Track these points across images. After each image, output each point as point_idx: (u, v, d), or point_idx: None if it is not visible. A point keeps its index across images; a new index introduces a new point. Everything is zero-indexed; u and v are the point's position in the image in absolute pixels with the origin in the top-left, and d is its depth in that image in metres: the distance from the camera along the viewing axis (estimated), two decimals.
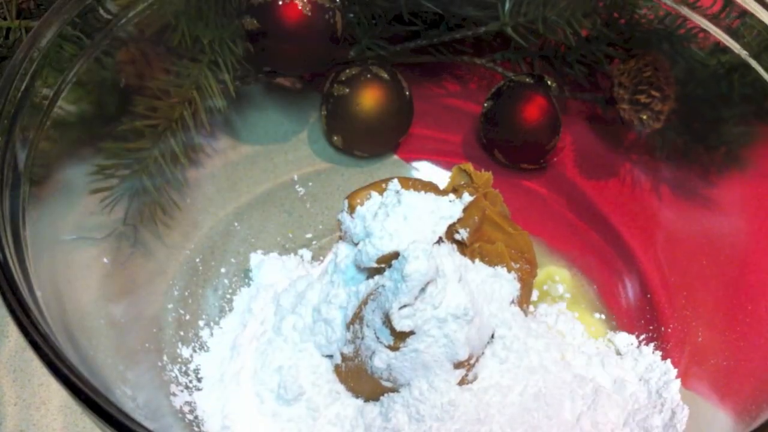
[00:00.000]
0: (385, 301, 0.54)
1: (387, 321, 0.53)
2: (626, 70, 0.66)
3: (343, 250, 0.58)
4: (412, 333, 0.53)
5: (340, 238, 0.60)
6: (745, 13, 0.60)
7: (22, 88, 0.51)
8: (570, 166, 0.72)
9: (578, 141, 0.72)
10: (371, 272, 0.57)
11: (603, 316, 0.65)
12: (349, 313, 0.56)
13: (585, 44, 0.68)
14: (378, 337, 0.54)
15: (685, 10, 0.62)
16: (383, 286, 0.54)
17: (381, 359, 0.54)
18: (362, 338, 0.55)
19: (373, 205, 0.58)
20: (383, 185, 0.59)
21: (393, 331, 0.53)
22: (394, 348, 0.54)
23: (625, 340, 0.63)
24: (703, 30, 0.62)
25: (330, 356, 0.57)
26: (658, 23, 0.65)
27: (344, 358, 0.56)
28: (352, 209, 0.59)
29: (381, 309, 0.54)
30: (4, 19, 0.66)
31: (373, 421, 0.55)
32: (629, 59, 0.66)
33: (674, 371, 0.60)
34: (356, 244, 0.57)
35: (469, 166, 0.62)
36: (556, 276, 0.67)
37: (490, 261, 0.59)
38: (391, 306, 0.53)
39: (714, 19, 0.61)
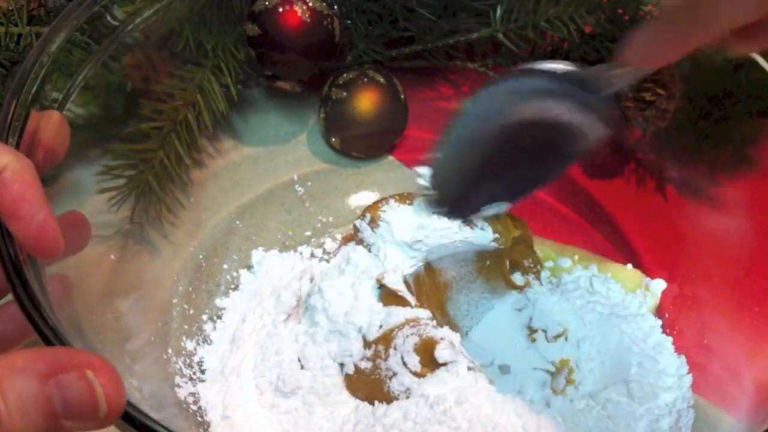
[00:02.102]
0: (429, 330, 0.55)
1: (420, 349, 0.54)
2: None
3: (362, 259, 0.59)
4: (445, 364, 0.54)
5: (357, 243, 0.61)
6: None
7: (33, 91, 0.51)
8: (573, 164, 0.70)
9: None
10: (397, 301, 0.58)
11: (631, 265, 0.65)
12: (371, 330, 0.56)
13: (589, 41, 0.67)
14: (405, 363, 0.55)
15: None
16: (429, 318, 0.56)
17: (401, 383, 0.55)
18: (385, 359, 0.55)
19: (397, 214, 0.60)
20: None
21: (424, 360, 0.54)
22: (418, 375, 0.54)
23: (660, 285, 0.63)
24: None
25: (341, 364, 0.57)
26: None
27: (358, 370, 0.56)
28: (374, 221, 0.60)
29: (419, 336, 0.55)
30: (16, 25, 0.66)
31: (365, 417, 0.55)
32: None
33: None
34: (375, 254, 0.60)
35: None
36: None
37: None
38: (435, 336, 0.54)
39: None
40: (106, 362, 0.37)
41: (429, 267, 0.60)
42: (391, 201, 0.62)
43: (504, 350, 0.59)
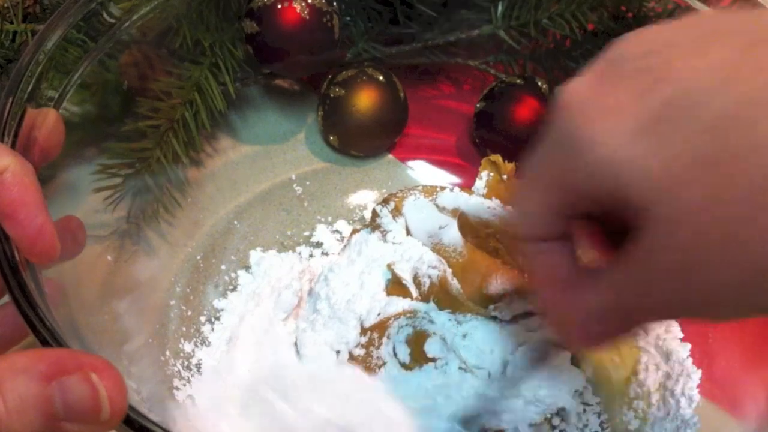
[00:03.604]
0: (424, 323, 0.54)
1: (412, 341, 0.54)
2: None
3: (375, 248, 0.59)
4: (434, 359, 0.54)
5: (373, 228, 0.61)
6: (756, 6, 0.58)
7: (28, 90, 0.50)
8: None
9: None
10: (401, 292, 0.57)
11: None
12: (369, 317, 0.56)
13: (591, 38, 0.67)
14: (395, 353, 0.54)
15: (696, 4, 0.61)
16: (427, 312, 0.55)
17: (389, 373, 0.54)
18: (377, 347, 0.55)
19: (420, 207, 0.60)
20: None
21: (415, 353, 0.54)
22: (407, 367, 0.54)
23: None
24: None
25: (337, 351, 0.57)
26: (666, 17, 0.64)
27: (352, 358, 0.56)
28: (397, 210, 0.60)
29: (413, 327, 0.54)
30: (11, 22, 0.66)
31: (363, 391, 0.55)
32: None
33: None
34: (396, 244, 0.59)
35: (498, 158, 0.63)
36: None
37: None
38: (429, 330, 0.54)
39: None
40: (110, 365, 0.37)
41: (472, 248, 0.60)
42: (416, 192, 0.61)
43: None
